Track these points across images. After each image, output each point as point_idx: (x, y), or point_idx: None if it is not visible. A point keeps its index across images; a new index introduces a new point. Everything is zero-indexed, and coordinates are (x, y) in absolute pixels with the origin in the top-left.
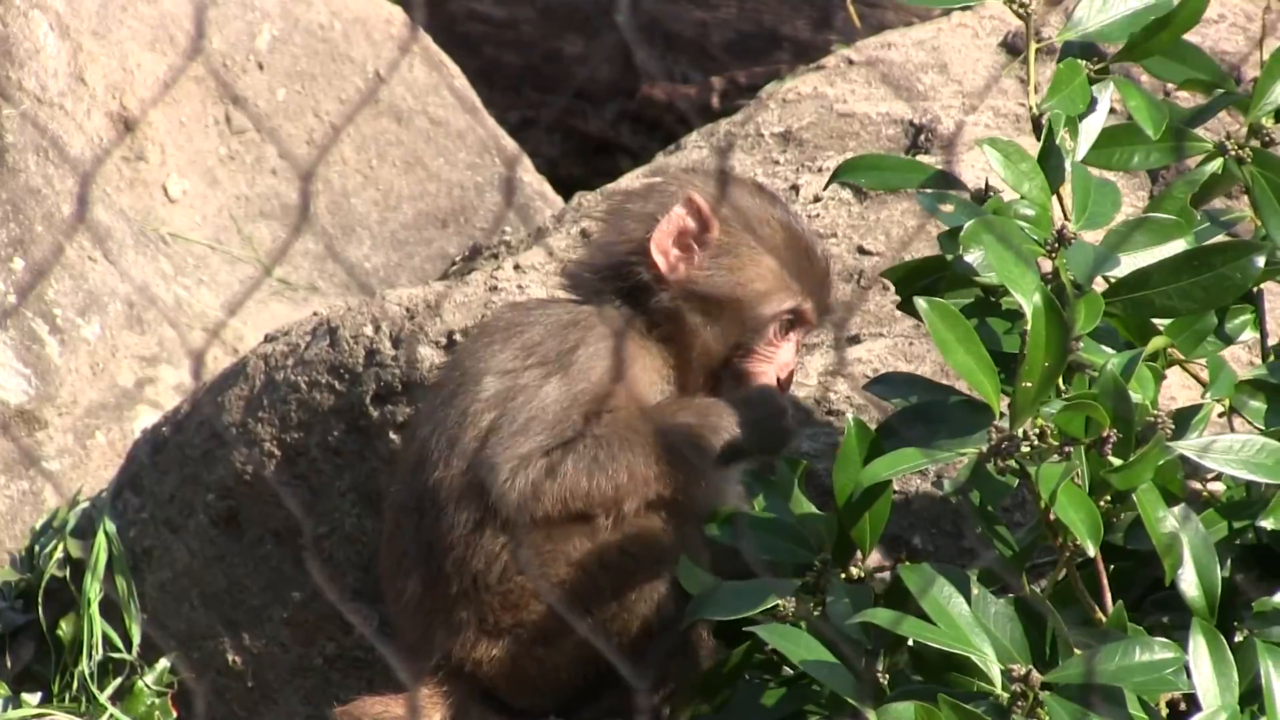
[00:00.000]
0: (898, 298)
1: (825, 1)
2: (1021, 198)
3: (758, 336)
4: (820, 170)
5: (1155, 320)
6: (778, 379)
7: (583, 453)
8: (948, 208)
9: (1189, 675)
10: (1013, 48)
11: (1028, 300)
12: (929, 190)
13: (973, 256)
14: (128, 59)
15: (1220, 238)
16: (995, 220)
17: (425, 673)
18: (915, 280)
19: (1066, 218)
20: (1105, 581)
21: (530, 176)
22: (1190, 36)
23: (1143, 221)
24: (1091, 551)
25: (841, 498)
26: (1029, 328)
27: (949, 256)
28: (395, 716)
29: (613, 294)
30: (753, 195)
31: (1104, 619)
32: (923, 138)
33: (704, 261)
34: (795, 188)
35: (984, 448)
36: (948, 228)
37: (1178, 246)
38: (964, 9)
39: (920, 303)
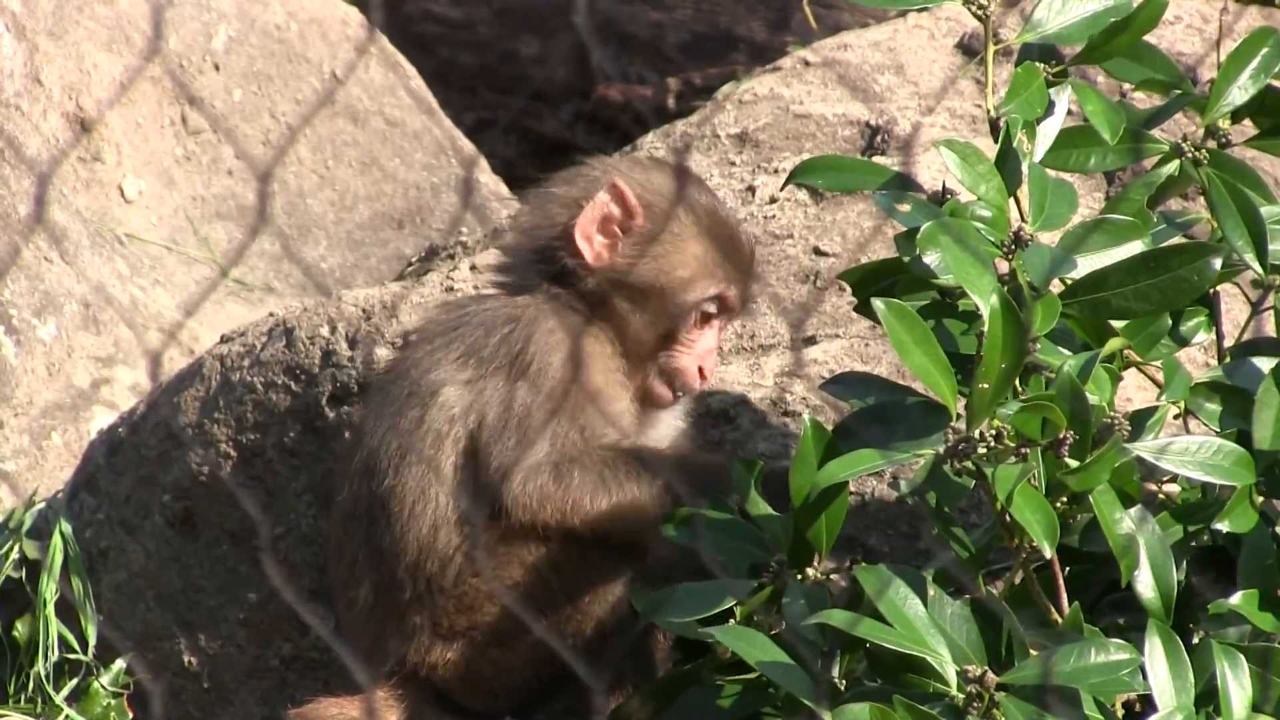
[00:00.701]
0: (854, 299)
1: (781, 3)
2: (978, 199)
3: (682, 323)
4: (776, 171)
5: (1112, 322)
6: (699, 368)
7: (589, 469)
8: (905, 208)
9: (1145, 676)
10: (969, 49)
11: (985, 301)
12: (885, 191)
13: (930, 258)
14: (84, 60)
15: (1177, 239)
16: (952, 222)
17: (380, 678)
18: (872, 282)
19: (1024, 219)
20: (1061, 583)
21: (486, 177)
22: (1147, 38)
23: (1099, 223)
24: (1048, 553)
25: (798, 499)
26: (986, 329)
27: (906, 258)
28: (350, 718)
29: (540, 279)
30: (677, 180)
31: (1060, 621)
32: (879, 139)
33: (628, 248)
34: (751, 189)
35: (941, 449)
36: (905, 229)
37: (1135, 248)
38: (920, 10)
39: (878, 304)
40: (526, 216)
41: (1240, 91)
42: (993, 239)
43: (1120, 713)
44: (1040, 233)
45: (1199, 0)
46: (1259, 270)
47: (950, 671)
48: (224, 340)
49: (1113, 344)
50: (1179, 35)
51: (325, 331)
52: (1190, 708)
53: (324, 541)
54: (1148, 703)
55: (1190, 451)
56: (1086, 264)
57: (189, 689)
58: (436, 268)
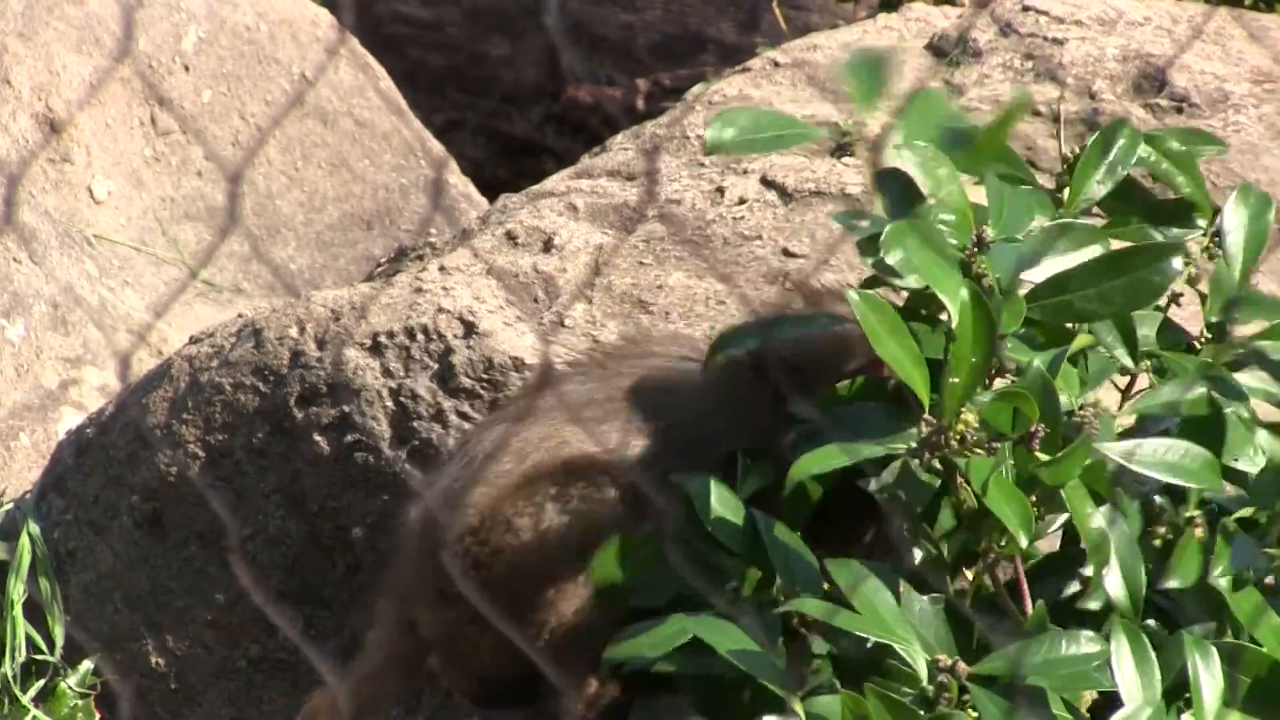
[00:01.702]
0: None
1: (751, 4)
2: (940, 202)
3: None
4: (745, 173)
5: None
6: None
7: None
8: (863, 224)
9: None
10: (939, 50)
11: (954, 298)
12: (842, 210)
13: (894, 259)
14: (54, 60)
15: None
16: (917, 223)
17: None
18: None
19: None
20: (1025, 585)
21: (455, 178)
22: (1116, 38)
23: (1060, 227)
24: (1024, 543)
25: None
26: (955, 324)
27: (868, 261)
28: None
29: None
30: None
31: (1025, 621)
32: (848, 140)
33: None
34: (720, 190)
35: (913, 443)
36: (867, 235)
37: (1094, 251)
38: (889, 11)
39: (851, 294)
40: None
41: (1099, 186)
42: (955, 242)
43: (1087, 716)
44: (999, 238)
45: (1169, 1)
46: (1129, 362)
47: (921, 662)
48: (192, 341)
49: (1080, 340)
50: (1148, 36)
51: (294, 332)
52: (1158, 703)
53: (291, 542)
54: (1112, 700)
55: (1159, 454)
56: (1048, 267)
57: (156, 690)
58: (405, 269)
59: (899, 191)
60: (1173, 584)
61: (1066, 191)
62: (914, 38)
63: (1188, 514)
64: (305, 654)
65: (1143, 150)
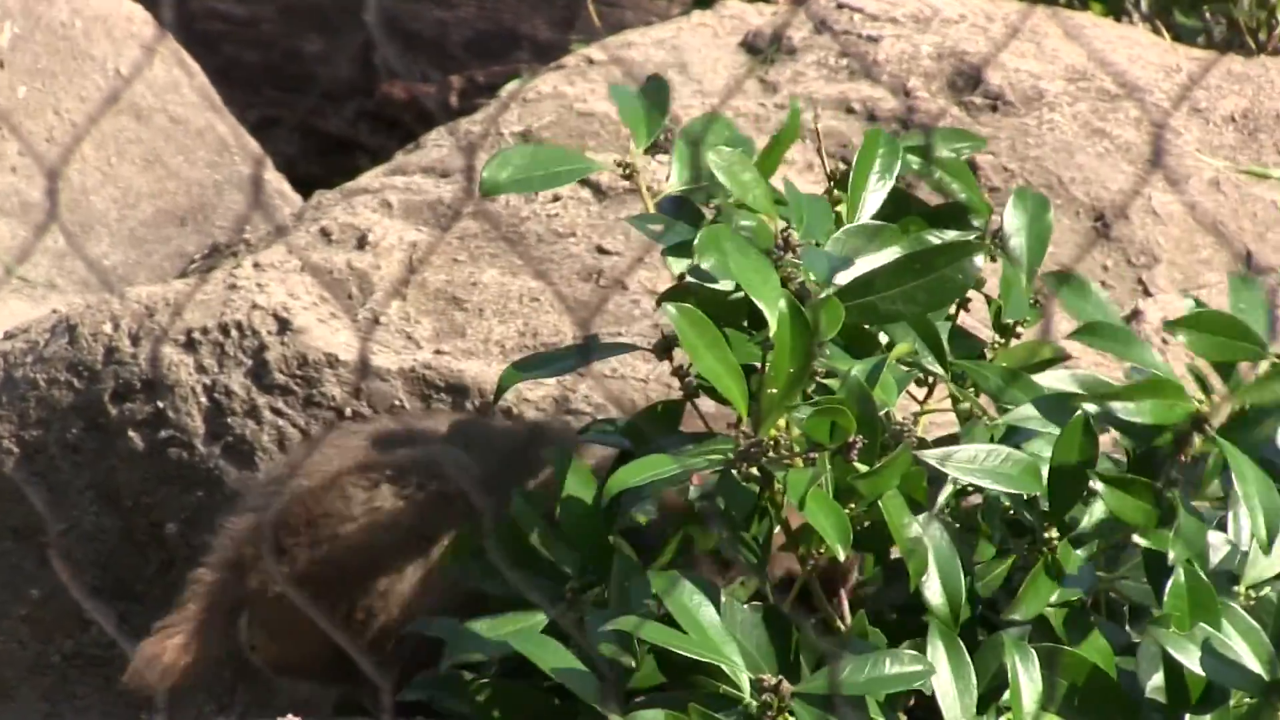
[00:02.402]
0: (637, 298)
1: (566, 1)
2: (743, 208)
3: None
4: None
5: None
6: None
7: None
8: (657, 228)
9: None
10: (753, 47)
11: (771, 306)
12: (637, 214)
13: (709, 263)
14: None
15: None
16: (726, 229)
17: None
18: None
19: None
20: (844, 592)
21: (270, 175)
22: (931, 36)
23: (864, 229)
24: (842, 555)
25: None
26: (774, 333)
27: (677, 267)
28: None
29: None
30: None
31: (844, 628)
32: (663, 137)
33: None
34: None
35: (731, 454)
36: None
37: (895, 253)
38: (703, 8)
39: (668, 308)
40: None
41: (875, 196)
42: (760, 247)
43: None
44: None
45: None
46: (939, 371)
47: (744, 679)
48: (7, 337)
49: (900, 349)
50: (963, 34)
51: (108, 329)
52: (971, 709)
53: (105, 538)
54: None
55: (978, 459)
56: (856, 269)
57: None
58: (220, 265)
59: (683, 215)
60: (1015, 616)
61: (843, 206)
62: (728, 34)
63: (1047, 535)
64: (122, 648)
65: (913, 161)
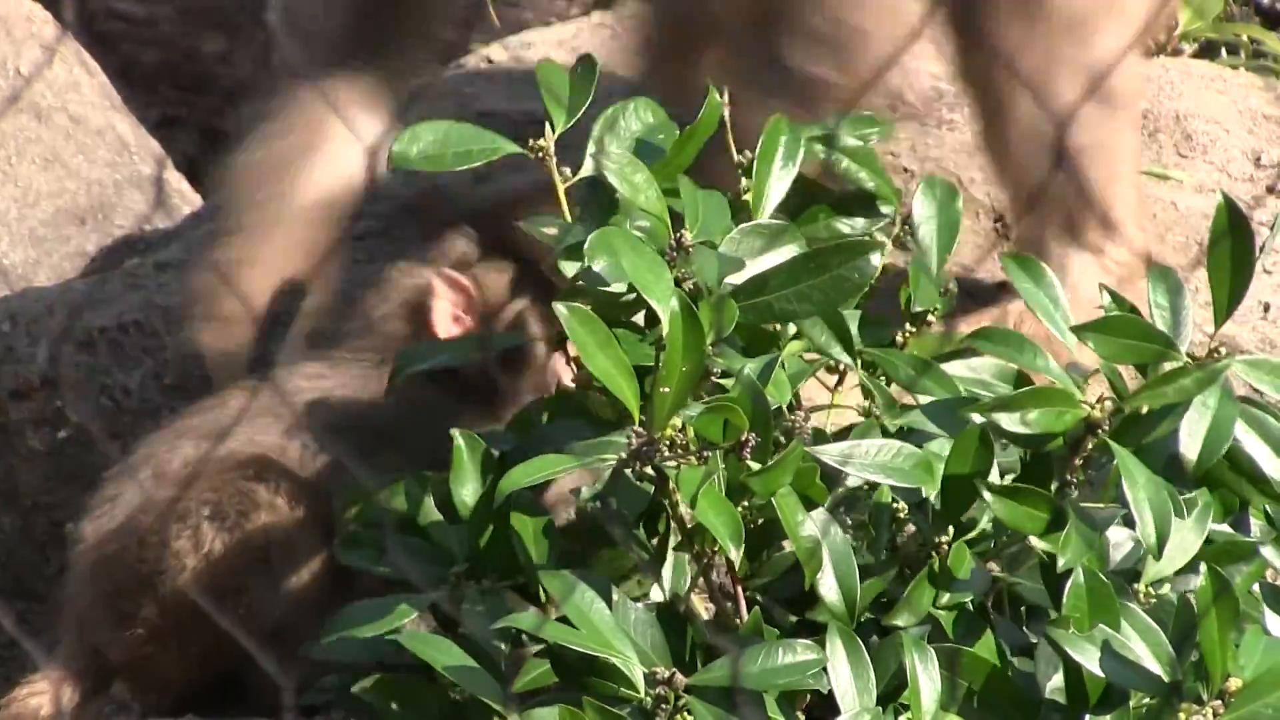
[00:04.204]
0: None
1: (467, 1)
2: (635, 209)
3: None
4: None
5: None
6: None
7: None
8: (550, 231)
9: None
10: None
11: (664, 305)
12: (529, 217)
13: (600, 265)
14: None
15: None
16: (619, 230)
17: None
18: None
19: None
20: (740, 588)
21: (171, 174)
22: None
23: (755, 228)
24: (734, 555)
25: (464, 510)
26: (666, 332)
27: (567, 273)
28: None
29: None
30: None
31: (741, 625)
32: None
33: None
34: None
35: (623, 453)
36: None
37: (791, 251)
38: (604, 9)
39: (559, 308)
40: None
41: (779, 185)
42: (653, 248)
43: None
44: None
45: None
46: (846, 359)
47: (637, 673)
48: None
49: (793, 346)
50: None
51: (6, 327)
52: (874, 708)
53: (4, 538)
54: (829, 700)
55: (872, 455)
56: (749, 269)
57: None
58: (120, 264)
59: (596, 199)
60: (898, 622)
61: (749, 198)
62: (628, 35)
63: (938, 539)
64: (23, 647)
65: (819, 150)
